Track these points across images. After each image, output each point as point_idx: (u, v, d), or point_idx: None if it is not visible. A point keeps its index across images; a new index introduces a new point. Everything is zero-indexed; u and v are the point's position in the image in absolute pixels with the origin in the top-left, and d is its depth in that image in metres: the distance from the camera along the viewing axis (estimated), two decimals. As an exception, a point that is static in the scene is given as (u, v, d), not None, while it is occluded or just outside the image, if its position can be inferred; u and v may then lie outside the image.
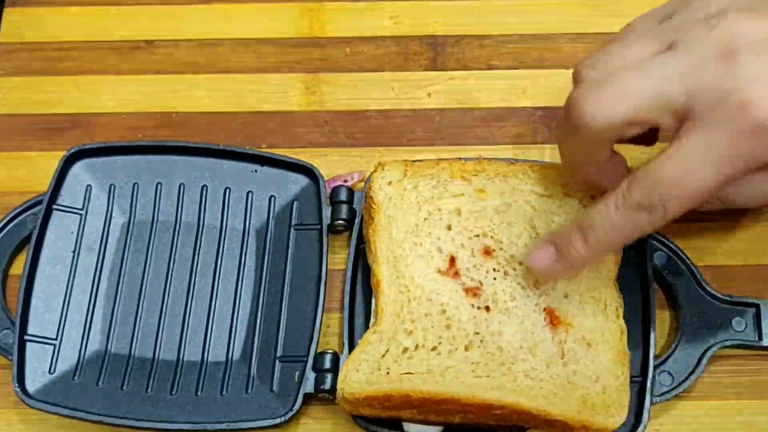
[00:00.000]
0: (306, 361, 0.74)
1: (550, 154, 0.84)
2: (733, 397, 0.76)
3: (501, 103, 0.86)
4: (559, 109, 0.82)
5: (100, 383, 0.74)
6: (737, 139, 0.61)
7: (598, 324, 0.72)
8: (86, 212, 0.79)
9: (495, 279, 0.73)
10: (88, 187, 0.80)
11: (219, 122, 0.86)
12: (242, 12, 0.91)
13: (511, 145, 0.85)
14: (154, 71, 0.88)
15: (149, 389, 0.74)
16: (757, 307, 0.76)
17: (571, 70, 0.69)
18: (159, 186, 0.80)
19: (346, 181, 0.82)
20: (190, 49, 0.89)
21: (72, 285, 0.77)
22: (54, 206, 0.79)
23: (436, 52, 0.89)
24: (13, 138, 0.86)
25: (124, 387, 0.74)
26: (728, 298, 0.76)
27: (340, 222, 0.78)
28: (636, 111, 0.63)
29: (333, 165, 0.84)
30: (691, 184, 0.62)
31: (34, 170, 0.83)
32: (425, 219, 0.75)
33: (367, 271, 0.76)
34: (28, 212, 0.79)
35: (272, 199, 0.80)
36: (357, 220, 0.79)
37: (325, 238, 0.78)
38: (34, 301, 0.76)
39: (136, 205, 0.80)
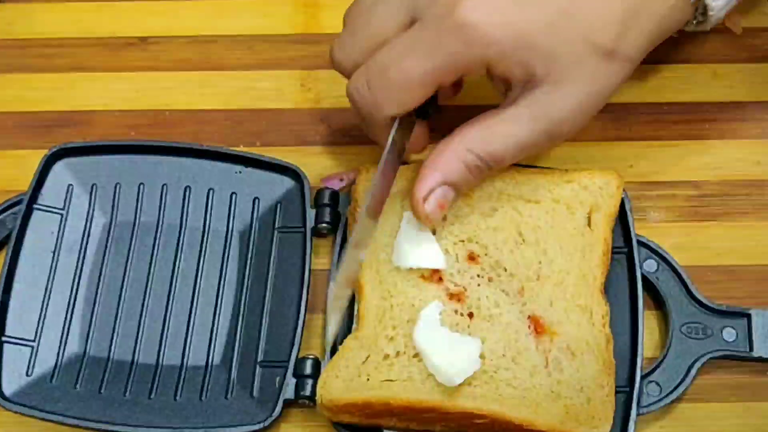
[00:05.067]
0: (287, 367, 0.73)
1: (550, 152, 0.82)
2: (734, 400, 0.74)
3: (501, 100, 0.85)
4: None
5: (77, 386, 0.73)
6: (441, 35, 0.67)
7: (583, 333, 0.71)
8: (67, 212, 0.78)
9: (479, 285, 0.72)
10: (70, 187, 0.79)
11: (213, 120, 0.85)
12: (236, 8, 0.90)
13: (510, 143, 0.83)
14: (147, 68, 0.88)
15: (127, 393, 0.73)
16: (748, 316, 0.74)
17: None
18: (141, 186, 0.79)
19: (342, 179, 0.81)
20: (183, 46, 0.89)
21: (51, 286, 0.76)
22: (34, 206, 0.78)
23: (434, 49, 0.87)
24: (3, 136, 0.85)
25: (102, 390, 0.73)
26: (719, 308, 0.74)
27: (325, 225, 0.77)
28: (412, 100, 0.70)
29: (329, 163, 0.83)
30: (402, 71, 0.68)
31: (25, 169, 0.81)
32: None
33: (352, 274, 0.75)
34: (8, 211, 0.78)
35: (256, 200, 0.79)
36: (341, 223, 0.77)
37: (309, 242, 0.77)
38: (12, 302, 0.75)
39: (117, 206, 0.79)
